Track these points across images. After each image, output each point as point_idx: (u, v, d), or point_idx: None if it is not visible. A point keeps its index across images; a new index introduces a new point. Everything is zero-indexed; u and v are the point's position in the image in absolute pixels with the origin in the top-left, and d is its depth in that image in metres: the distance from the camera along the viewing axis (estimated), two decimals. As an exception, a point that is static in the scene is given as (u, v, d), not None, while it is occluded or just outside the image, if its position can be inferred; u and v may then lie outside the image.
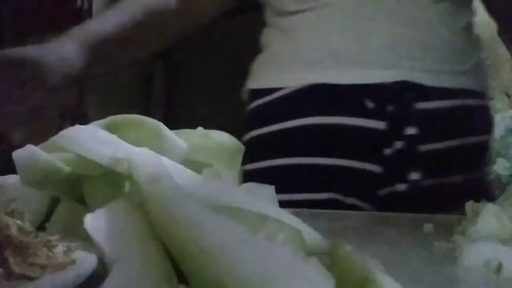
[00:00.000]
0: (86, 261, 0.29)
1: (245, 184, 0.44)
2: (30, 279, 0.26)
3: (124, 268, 0.26)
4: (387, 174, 0.67)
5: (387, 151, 0.67)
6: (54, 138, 0.38)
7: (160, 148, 0.38)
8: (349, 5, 0.68)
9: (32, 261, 0.27)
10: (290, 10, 0.72)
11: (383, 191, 0.67)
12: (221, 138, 0.46)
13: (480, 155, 0.74)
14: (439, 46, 0.69)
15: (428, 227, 0.50)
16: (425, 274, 0.35)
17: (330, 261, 0.29)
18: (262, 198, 0.39)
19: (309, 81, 0.70)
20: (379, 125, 0.67)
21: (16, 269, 0.26)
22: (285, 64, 0.73)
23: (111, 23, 0.72)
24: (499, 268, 0.34)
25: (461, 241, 0.39)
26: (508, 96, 1.41)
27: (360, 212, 0.67)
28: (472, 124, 0.72)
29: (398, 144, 0.67)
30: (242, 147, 0.46)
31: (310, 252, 0.27)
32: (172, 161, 0.37)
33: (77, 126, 0.38)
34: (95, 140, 0.37)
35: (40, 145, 0.39)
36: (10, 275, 0.26)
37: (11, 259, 0.26)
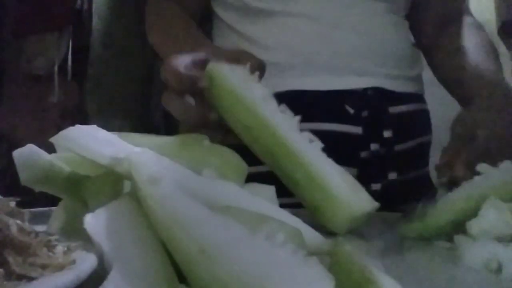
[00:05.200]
0: (86, 261, 0.29)
1: (245, 184, 0.44)
2: (30, 279, 0.26)
3: (124, 268, 0.26)
4: (362, 175, 0.68)
5: (363, 154, 0.69)
6: (54, 138, 0.38)
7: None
8: (315, 13, 0.71)
9: (32, 261, 0.27)
10: (254, 7, 0.72)
11: None
12: (228, 157, 0.45)
13: (427, 153, 0.81)
14: (397, 53, 0.74)
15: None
16: (425, 274, 0.35)
17: (330, 261, 0.29)
18: (262, 198, 0.39)
19: (284, 88, 0.70)
20: (356, 129, 0.69)
21: (16, 269, 0.26)
22: None
23: None
24: (499, 268, 0.34)
25: (461, 241, 0.39)
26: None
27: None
28: (424, 125, 0.80)
29: (374, 147, 0.70)
30: (246, 167, 0.46)
31: (310, 252, 0.27)
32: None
33: (77, 126, 0.38)
34: (95, 140, 0.37)
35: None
36: (10, 275, 0.26)
37: (11, 259, 0.26)
